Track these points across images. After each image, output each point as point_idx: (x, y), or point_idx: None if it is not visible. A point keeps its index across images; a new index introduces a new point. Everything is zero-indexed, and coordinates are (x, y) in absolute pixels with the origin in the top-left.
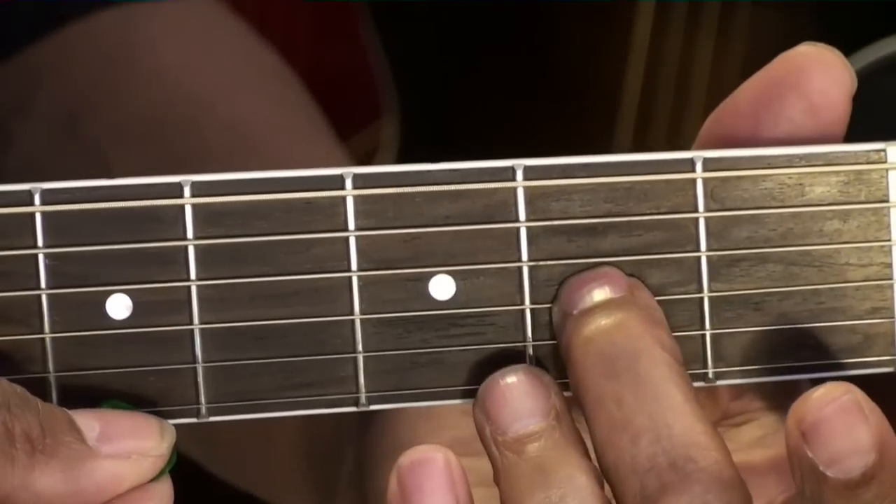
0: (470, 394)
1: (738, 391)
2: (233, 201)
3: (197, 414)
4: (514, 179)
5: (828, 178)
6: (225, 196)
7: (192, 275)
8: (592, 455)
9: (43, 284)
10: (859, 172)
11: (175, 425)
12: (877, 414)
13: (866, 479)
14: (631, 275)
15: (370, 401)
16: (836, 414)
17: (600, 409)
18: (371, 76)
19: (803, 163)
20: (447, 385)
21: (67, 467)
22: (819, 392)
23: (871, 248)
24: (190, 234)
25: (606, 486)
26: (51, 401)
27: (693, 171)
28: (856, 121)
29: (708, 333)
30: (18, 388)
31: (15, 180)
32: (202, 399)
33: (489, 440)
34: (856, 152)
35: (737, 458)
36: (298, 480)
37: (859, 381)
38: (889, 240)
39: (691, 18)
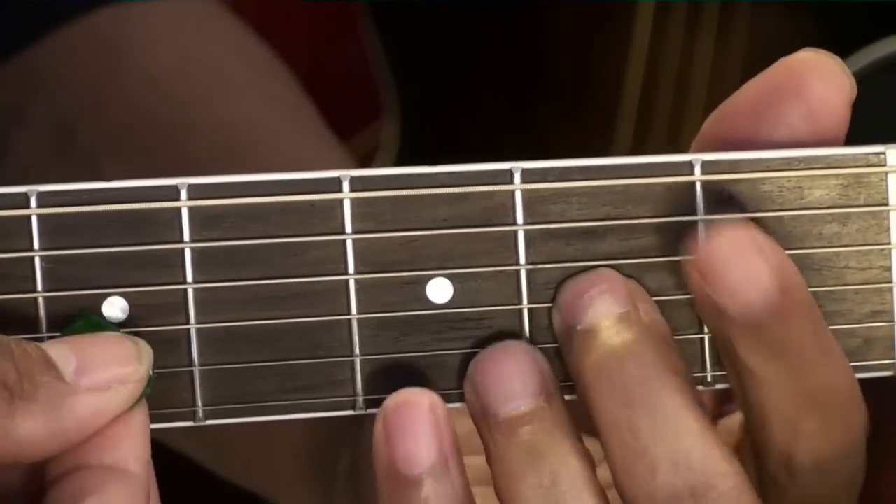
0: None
1: (730, 394)
2: (229, 204)
3: (193, 417)
4: (511, 182)
5: (827, 181)
6: (222, 199)
7: (189, 278)
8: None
9: (39, 287)
10: (859, 175)
11: (172, 429)
12: (776, 250)
13: (767, 312)
14: (629, 276)
15: (367, 404)
16: (734, 256)
17: (615, 435)
18: (371, 76)
19: (802, 166)
20: (444, 388)
21: (48, 409)
22: (718, 234)
23: (870, 251)
24: (186, 236)
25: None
26: None
27: (692, 173)
28: (856, 121)
29: (706, 337)
30: None
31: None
32: (199, 402)
33: (480, 420)
34: (855, 155)
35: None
36: (297, 479)
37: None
38: (889, 243)
39: (691, 18)
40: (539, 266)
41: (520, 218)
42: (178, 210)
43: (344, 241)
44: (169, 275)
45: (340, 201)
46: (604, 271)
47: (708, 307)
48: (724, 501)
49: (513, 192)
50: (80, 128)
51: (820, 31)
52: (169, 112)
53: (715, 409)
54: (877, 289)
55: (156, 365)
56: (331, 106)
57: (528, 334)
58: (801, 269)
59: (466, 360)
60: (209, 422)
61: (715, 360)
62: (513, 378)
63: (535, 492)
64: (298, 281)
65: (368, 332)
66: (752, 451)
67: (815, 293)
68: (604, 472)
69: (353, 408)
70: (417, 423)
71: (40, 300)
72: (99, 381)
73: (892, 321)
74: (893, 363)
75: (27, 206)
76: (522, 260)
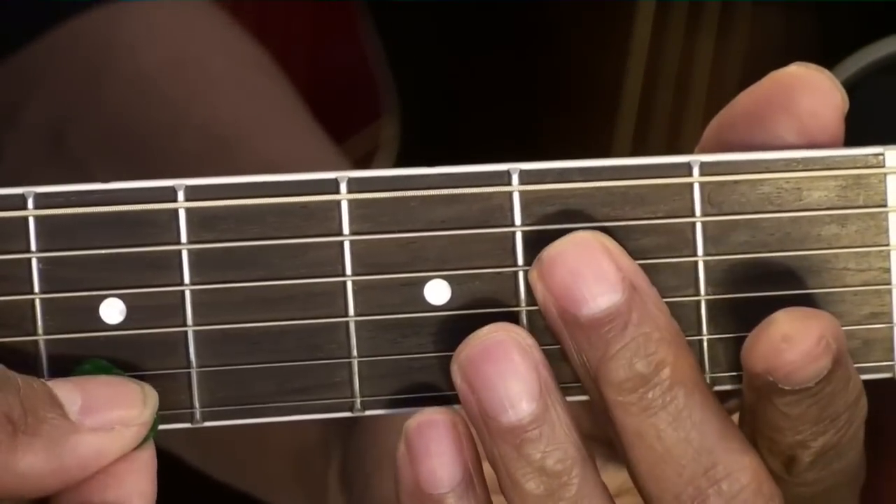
0: None
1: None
2: (227, 205)
3: (191, 419)
4: (509, 184)
5: (826, 182)
6: (219, 200)
7: (186, 279)
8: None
9: (36, 289)
10: (858, 177)
11: (169, 430)
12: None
13: (821, 383)
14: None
15: (365, 406)
16: (799, 345)
17: (640, 443)
18: (371, 76)
19: (801, 167)
20: (442, 390)
21: (50, 445)
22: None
23: (869, 252)
24: (184, 238)
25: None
26: None
27: (690, 175)
28: (855, 121)
29: (705, 339)
30: None
31: None
32: (196, 404)
33: (479, 422)
34: (854, 156)
35: None
36: (288, 480)
37: None
38: (887, 244)
39: (691, 18)
40: None
41: (518, 219)
42: (176, 211)
43: (342, 243)
44: (166, 276)
45: (338, 203)
46: (584, 243)
47: (759, 384)
48: (746, 493)
49: (511, 194)
50: (71, 129)
51: (820, 31)
52: (159, 112)
53: None
54: (876, 290)
55: (154, 367)
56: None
57: None
58: (799, 271)
59: None
60: (207, 423)
61: (714, 361)
62: (511, 380)
63: (543, 502)
64: (296, 282)
65: (366, 334)
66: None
67: (813, 295)
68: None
69: (351, 409)
70: (441, 443)
71: (37, 302)
72: (103, 422)
73: (891, 323)
74: (892, 365)
75: (24, 207)
76: (520, 262)
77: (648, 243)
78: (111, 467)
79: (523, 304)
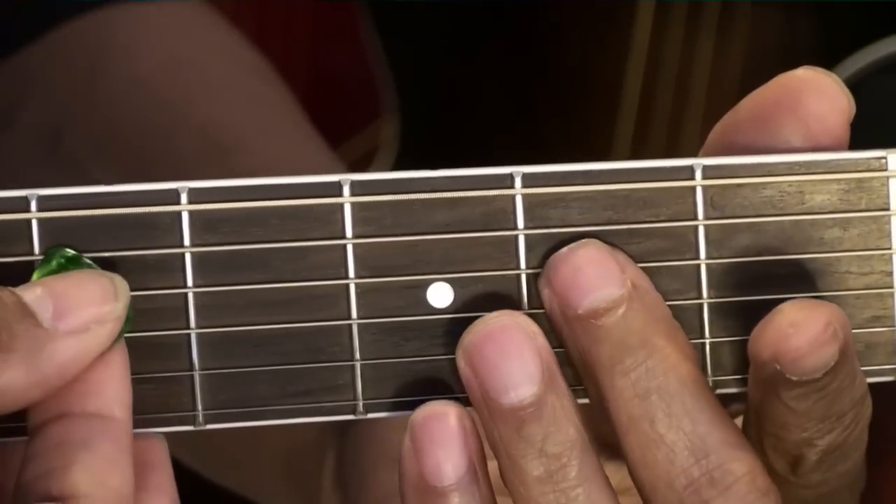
0: (468, 402)
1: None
2: (230, 208)
3: (194, 422)
4: (512, 187)
5: (828, 185)
6: (222, 203)
7: (189, 282)
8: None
9: None
10: (860, 180)
11: (172, 433)
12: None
13: (829, 375)
14: None
15: (367, 409)
16: (811, 336)
17: (633, 430)
18: (371, 76)
19: (803, 170)
20: (445, 393)
21: (27, 357)
22: (785, 311)
23: (871, 256)
24: (187, 241)
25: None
26: None
27: (692, 178)
28: (856, 122)
29: (707, 342)
30: None
31: None
32: (199, 406)
33: (480, 403)
34: (856, 160)
35: None
36: (282, 480)
37: None
38: (890, 248)
39: (691, 18)
40: (540, 271)
41: (520, 222)
42: (179, 214)
43: (344, 246)
44: (169, 279)
45: (341, 205)
46: (590, 247)
47: (767, 375)
48: (740, 486)
49: (513, 197)
50: (68, 131)
51: (820, 31)
52: (156, 113)
53: None
54: (878, 294)
55: (157, 369)
56: (331, 106)
57: None
58: (802, 274)
59: None
60: (209, 426)
61: (717, 364)
62: (514, 362)
63: (545, 486)
64: (299, 285)
65: (369, 337)
66: (756, 448)
67: (816, 298)
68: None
69: (354, 412)
70: (445, 436)
71: None
72: (77, 324)
73: (894, 326)
74: (894, 368)
75: (27, 210)
76: (523, 265)
77: (651, 246)
78: (89, 375)
79: (526, 306)
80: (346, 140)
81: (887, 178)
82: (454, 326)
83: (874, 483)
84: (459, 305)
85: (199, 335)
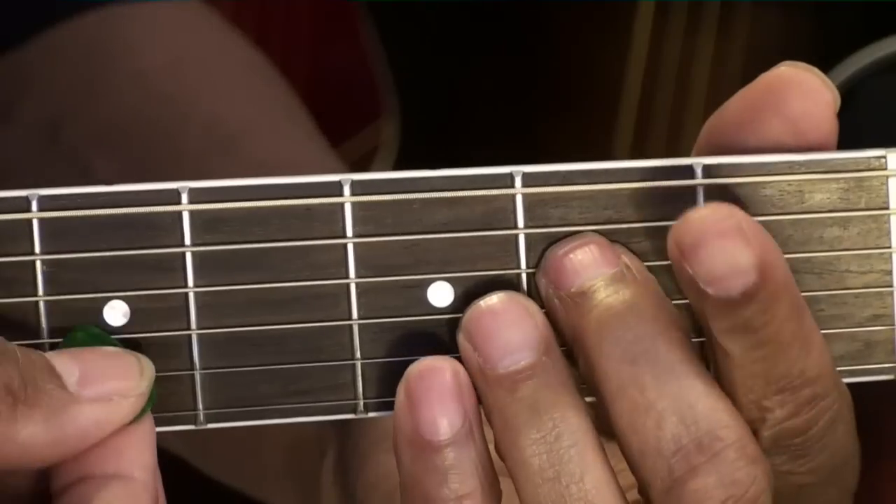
0: None
1: None
2: (231, 208)
3: (195, 421)
4: (512, 186)
5: (828, 184)
6: (223, 203)
7: (190, 281)
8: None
9: (40, 291)
10: (860, 179)
11: (173, 433)
12: (760, 235)
13: (746, 298)
14: None
15: (368, 408)
16: (715, 239)
17: (622, 396)
18: (371, 76)
19: (803, 170)
20: None
21: (50, 415)
22: (699, 214)
23: (871, 255)
24: (187, 240)
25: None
26: None
27: (693, 177)
28: (855, 122)
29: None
30: None
31: None
32: (200, 406)
33: (478, 373)
34: (856, 159)
35: None
36: (283, 476)
37: (860, 389)
38: (889, 247)
39: (691, 18)
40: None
41: (521, 222)
42: (180, 214)
43: (345, 245)
44: (170, 279)
45: (341, 205)
46: (589, 234)
47: (686, 281)
48: (729, 452)
49: (514, 196)
50: (68, 126)
51: (820, 31)
52: (157, 110)
53: None
54: (877, 292)
55: (158, 369)
56: (331, 106)
57: None
58: (801, 273)
59: None
60: (210, 425)
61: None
62: (511, 329)
63: (538, 446)
64: (299, 285)
65: (369, 336)
66: None
67: (815, 297)
68: None
69: (355, 411)
70: (442, 390)
71: (41, 304)
72: (101, 393)
73: (893, 325)
74: (894, 367)
75: (28, 209)
76: (523, 264)
77: (651, 246)
78: (110, 441)
79: None
80: (346, 140)
81: (887, 177)
82: (454, 326)
83: (874, 483)
84: (459, 305)
85: (199, 335)
